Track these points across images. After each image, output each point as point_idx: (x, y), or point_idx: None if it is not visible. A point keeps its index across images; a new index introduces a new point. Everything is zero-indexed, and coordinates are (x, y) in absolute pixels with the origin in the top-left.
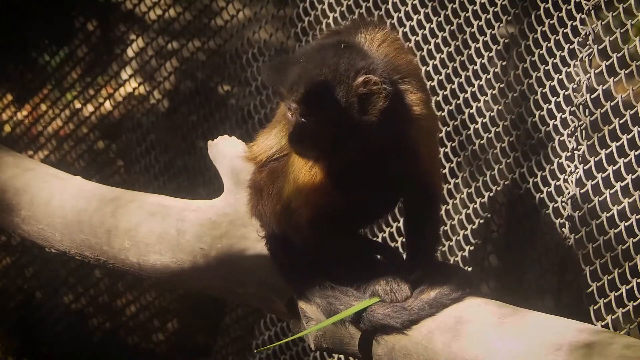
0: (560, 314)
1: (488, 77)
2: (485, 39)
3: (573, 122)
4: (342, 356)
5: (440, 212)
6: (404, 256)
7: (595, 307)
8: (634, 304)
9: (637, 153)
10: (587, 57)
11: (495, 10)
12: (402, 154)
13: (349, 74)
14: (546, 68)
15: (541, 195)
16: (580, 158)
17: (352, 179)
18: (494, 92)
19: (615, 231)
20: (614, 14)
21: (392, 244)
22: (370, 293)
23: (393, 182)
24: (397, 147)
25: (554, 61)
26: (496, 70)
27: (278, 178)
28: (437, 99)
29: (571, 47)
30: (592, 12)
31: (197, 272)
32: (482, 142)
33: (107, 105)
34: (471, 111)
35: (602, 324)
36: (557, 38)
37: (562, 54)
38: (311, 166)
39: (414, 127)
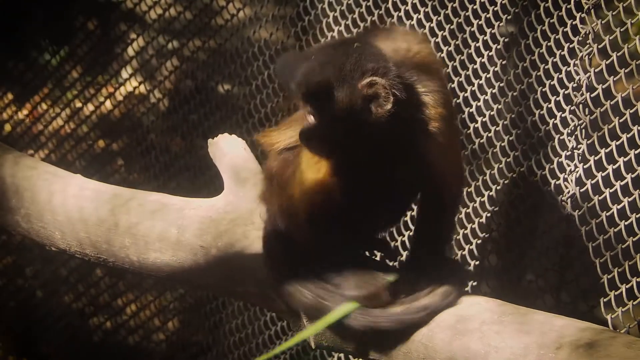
0: (561, 312)
1: (488, 76)
2: (485, 37)
3: (573, 121)
4: (342, 355)
5: (455, 217)
6: (405, 254)
7: (595, 306)
8: (634, 302)
9: (637, 152)
10: (587, 56)
11: (495, 9)
12: (416, 164)
13: (354, 74)
14: (546, 67)
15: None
16: (580, 157)
17: (359, 180)
18: (494, 90)
19: (615, 230)
20: (613, 13)
21: (392, 243)
22: (367, 293)
23: (404, 188)
24: (411, 156)
25: (554, 60)
26: (496, 69)
27: (288, 169)
28: None
29: (571, 46)
30: (592, 11)
31: (197, 270)
32: (482, 140)
33: (108, 104)
34: (471, 110)
35: (603, 322)
36: (557, 37)
37: (562, 52)
38: (318, 162)
39: (429, 141)
